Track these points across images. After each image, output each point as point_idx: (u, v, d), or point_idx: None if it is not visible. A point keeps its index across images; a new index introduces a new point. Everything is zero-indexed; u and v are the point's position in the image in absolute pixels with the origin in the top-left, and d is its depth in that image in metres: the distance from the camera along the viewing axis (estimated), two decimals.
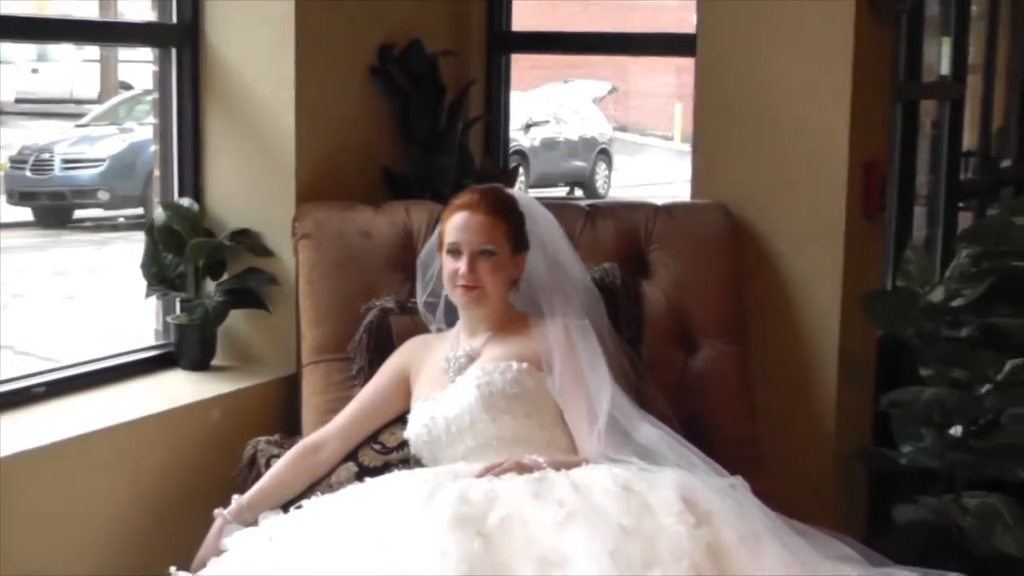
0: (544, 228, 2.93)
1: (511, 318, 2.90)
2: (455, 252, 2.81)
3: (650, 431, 2.72)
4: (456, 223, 2.82)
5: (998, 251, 3.60)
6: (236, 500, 2.78)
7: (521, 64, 4.20)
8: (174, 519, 2.83)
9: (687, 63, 3.66)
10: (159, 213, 3.42)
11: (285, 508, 2.73)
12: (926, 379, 3.48)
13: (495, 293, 2.83)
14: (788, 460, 3.29)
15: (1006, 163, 6.51)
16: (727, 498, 2.52)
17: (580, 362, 2.78)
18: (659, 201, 3.60)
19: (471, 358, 2.87)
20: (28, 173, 11.45)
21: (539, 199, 3.12)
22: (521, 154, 14.43)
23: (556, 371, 2.79)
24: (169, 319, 3.42)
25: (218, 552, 2.65)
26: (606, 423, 2.70)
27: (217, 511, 2.75)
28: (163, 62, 3.50)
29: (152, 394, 3.19)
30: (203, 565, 2.63)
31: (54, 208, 11.71)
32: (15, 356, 6.37)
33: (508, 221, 2.83)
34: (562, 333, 2.81)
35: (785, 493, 2.68)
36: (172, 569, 2.61)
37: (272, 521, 2.66)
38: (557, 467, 2.61)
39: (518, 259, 2.86)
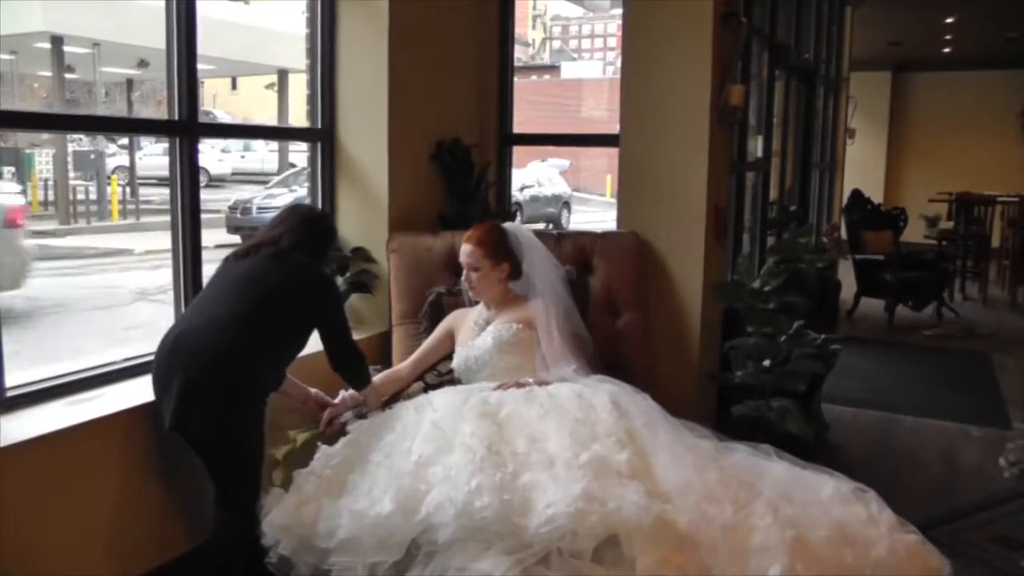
0: (534, 247, 2.87)
1: (512, 298, 2.85)
2: (463, 266, 2.81)
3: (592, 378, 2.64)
4: (461, 250, 2.82)
5: (789, 258, 3.58)
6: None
7: (518, 151, 4.15)
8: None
9: (614, 151, 3.62)
10: None
11: (383, 406, 2.70)
12: (750, 333, 3.46)
13: (483, 289, 2.80)
14: (671, 380, 3.26)
15: (793, 207, 6.50)
16: (638, 402, 2.49)
17: (551, 325, 2.74)
18: (598, 231, 3.56)
19: (488, 321, 2.83)
20: (238, 215, 11.36)
21: (531, 230, 3.08)
22: (518, 204, 14.49)
23: (539, 329, 2.75)
24: None
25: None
26: (571, 370, 2.65)
27: (342, 392, 2.67)
28: (313, 150, 3.46)
29: (310, 342, 3.10)
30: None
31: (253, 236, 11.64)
32: None
33: (485, 247, 2.78)
34: (542, 308, 2.78)
35: (669, 399, 2.64)
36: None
37: (374, 413, 2.63)
38: (539, 384, 2.57)
39: (500, 266, 2.80)
